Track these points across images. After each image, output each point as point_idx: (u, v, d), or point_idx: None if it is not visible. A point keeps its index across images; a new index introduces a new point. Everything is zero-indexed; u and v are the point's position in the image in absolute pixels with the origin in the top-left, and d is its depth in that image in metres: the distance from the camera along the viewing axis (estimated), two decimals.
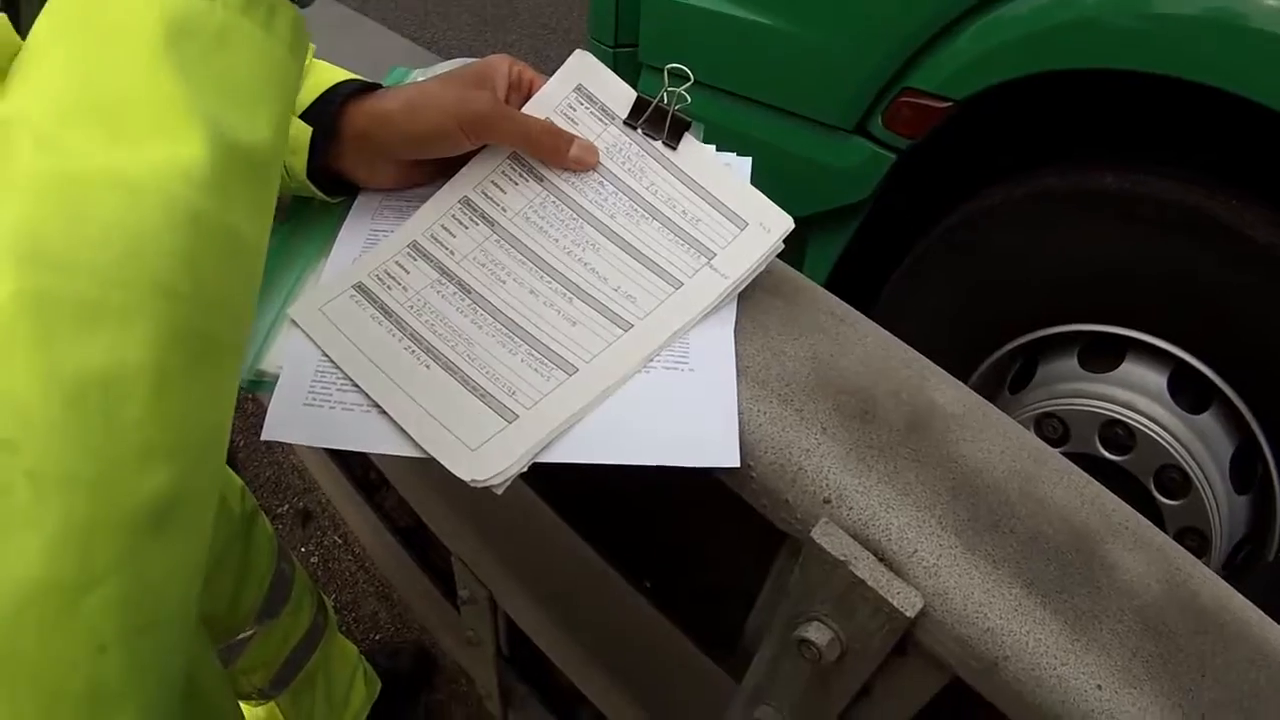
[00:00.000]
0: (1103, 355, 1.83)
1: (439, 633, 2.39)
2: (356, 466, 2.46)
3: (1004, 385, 2.02)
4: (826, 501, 0.78)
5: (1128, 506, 0.81)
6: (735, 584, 1.07)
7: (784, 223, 0.89)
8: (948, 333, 1.98)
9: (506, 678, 2.09)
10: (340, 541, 2.75)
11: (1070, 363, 1.88)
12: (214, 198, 0.51)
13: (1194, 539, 1.79)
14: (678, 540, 1.25)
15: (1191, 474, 1.75)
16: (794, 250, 1.94)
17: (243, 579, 1.49)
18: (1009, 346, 1.94)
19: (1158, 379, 1.78)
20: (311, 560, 2.66)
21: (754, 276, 0.88)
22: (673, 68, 0.89)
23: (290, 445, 2.90)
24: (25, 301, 0.44)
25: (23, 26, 0.69)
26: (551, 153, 0.92)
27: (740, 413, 0.81)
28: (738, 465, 0.78)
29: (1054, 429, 1.87)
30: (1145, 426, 1.76)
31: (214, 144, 0.51)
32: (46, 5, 0.51)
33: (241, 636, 1.62)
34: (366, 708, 2.20)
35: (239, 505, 1.43)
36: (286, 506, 2.84)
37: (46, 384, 0.43)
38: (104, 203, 0.47)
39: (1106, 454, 1.82)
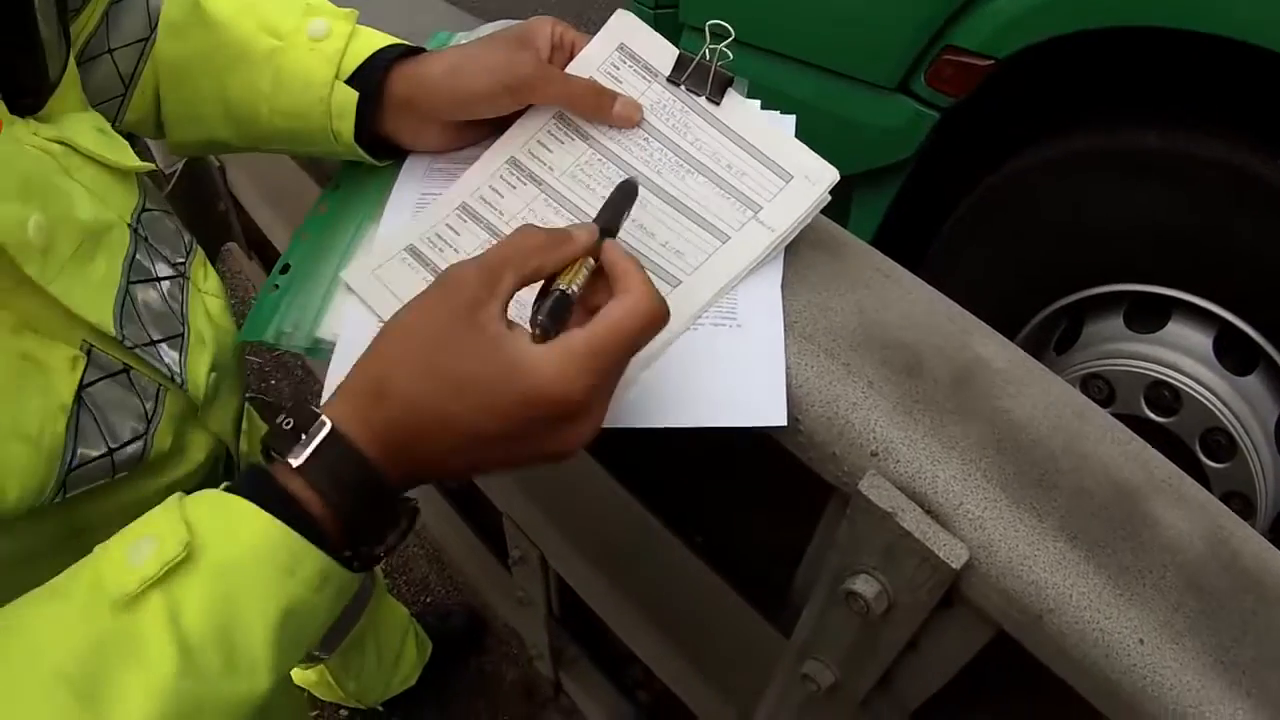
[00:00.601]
0: (1148, 316, 1.83)
1: (490, 594, 2.41)
2: None
3: (1050, 346, 2.02)
4: (874, 454, 0.79)
5: (1171, 463, 0.81)
6: (784, 540, 1.08)
7: (829, 174, 0.89)
8: (993, 292, 1.98)
9: (557, 637, 2.11)
10: None
11: (1116, 323, 1.87)
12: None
13: (1239, 503, 1.78)
14: (727, 496, 1.25)
15: (1237, 437, 1.74)
16: (839, 210, 1.94)
17: None
18: (1054, 306, 1.94)
19: (1203, 340, 1.77)
20: None
21: (800, 230, 0.89)
22: (714, 24, 0.89)
23: None
24: None
25: (50, 73, 0.72)
26: (595, 110, 0.92)
27: (787, 367, 0.81)
28: (785, 424, 0.79)
29: (1099, 390, 1.86)
30: (1190, 388, 1.75)
31: (275, 680, 0.63)
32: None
33: None
34: (418, 669, 2.23)
35: None
36: None
37: None
38: (213, 717, 0.59)
39: (1152, 415, 1.81)
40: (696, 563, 1.23)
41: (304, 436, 0.64)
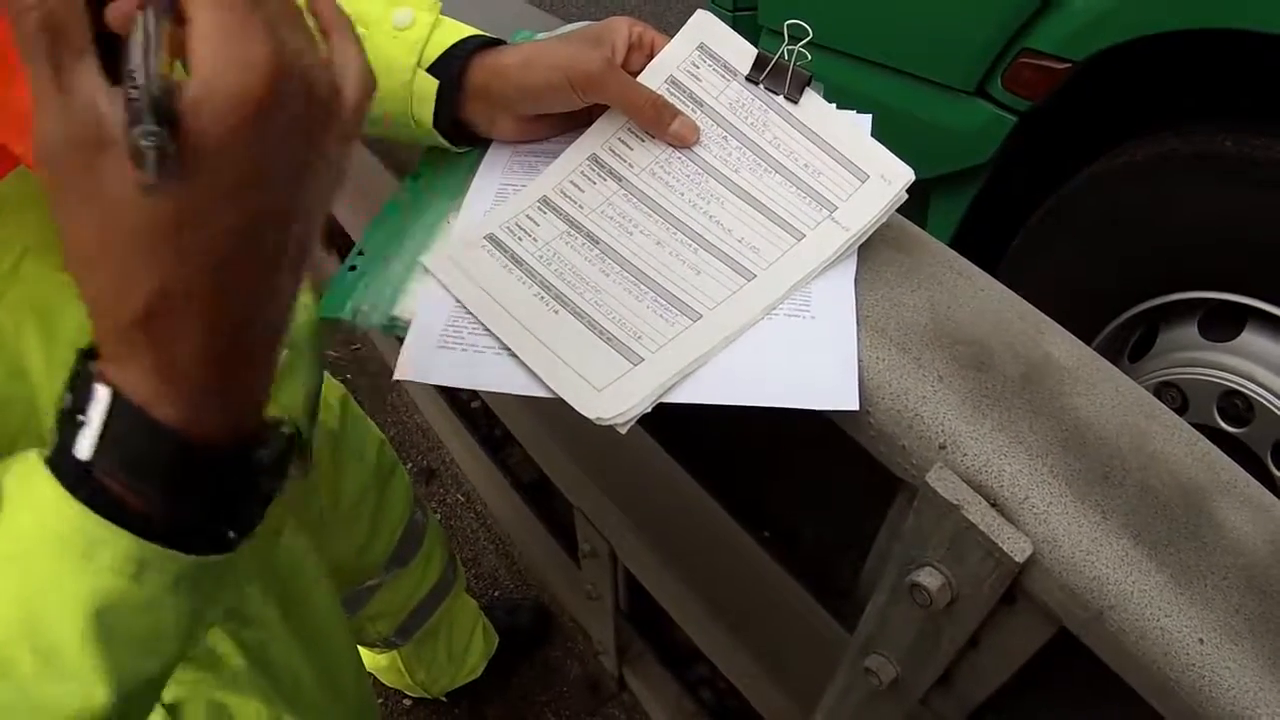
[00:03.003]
0: (1223, 324, 1.81)
1: (558, 588, 2.42)
2: (482, 424, 2.50)
3: (1124, 353, 2.00)
4: (941, 447, 0.80)
5: (1237, 466, 0.80)
6: (851, 536, 1.08)
7: (905, 175, 0.90)
8: (1068, 299, 1.96)
9: (623, 633, 2.12)
10: (463, 499, 2.81)
11: (1190, 331, 1.85)
12: None
13: None
14: (794, 492, 1.26)
15: None
16: (917, 213, 1.94)
17: (374, 529, 1.53)
18: (1129, 313, 1.92)
19: (1277, 349, 1.75)
20: (434, 518, 2.73)
21: (875, 228, 0.89)
22: (792, 24, 0.90)
23: (415, 405, 2.95)
24: None
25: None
26: (654, 123, 0.94)
27: (859, 359, 0.82)
28: (857, 409, 0.80)
29: (1173, 399, 1.84)
30: (1264, 398, 1.73)
31: (120, 690, 0.53)
32: None
33: (369, 584, 1.67)
34: (484, 661, 2.25)
35: (375, 457, 1.47)
36: (410, 465, 2.90)
37: None
38: None
39: (1224, 426, 1.80)
40: (764, 558, 1.24)
41: (82, 417, 0.52)
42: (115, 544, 0.52)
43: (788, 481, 1.27)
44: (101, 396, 0.51)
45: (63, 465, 0.52)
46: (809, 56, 0.91)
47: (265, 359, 0.57)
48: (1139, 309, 1.90)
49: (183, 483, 0.54)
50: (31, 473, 0.53)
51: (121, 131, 0.45)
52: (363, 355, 3.21)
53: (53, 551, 0.52)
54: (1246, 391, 1.74)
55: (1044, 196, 2.01)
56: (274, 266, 0.54)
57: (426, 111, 0.95)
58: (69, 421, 0.52)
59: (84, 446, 0.52)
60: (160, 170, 0.45)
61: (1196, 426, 0.81)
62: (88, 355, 0.53)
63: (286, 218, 0.53)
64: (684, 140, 0.94)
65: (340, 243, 2.23)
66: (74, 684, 0.51)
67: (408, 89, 0.94)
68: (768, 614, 1.37)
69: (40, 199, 0.54)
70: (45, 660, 0.51)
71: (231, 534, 0.59)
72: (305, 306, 0.93)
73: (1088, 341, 0.87)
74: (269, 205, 0.51)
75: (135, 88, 0.44)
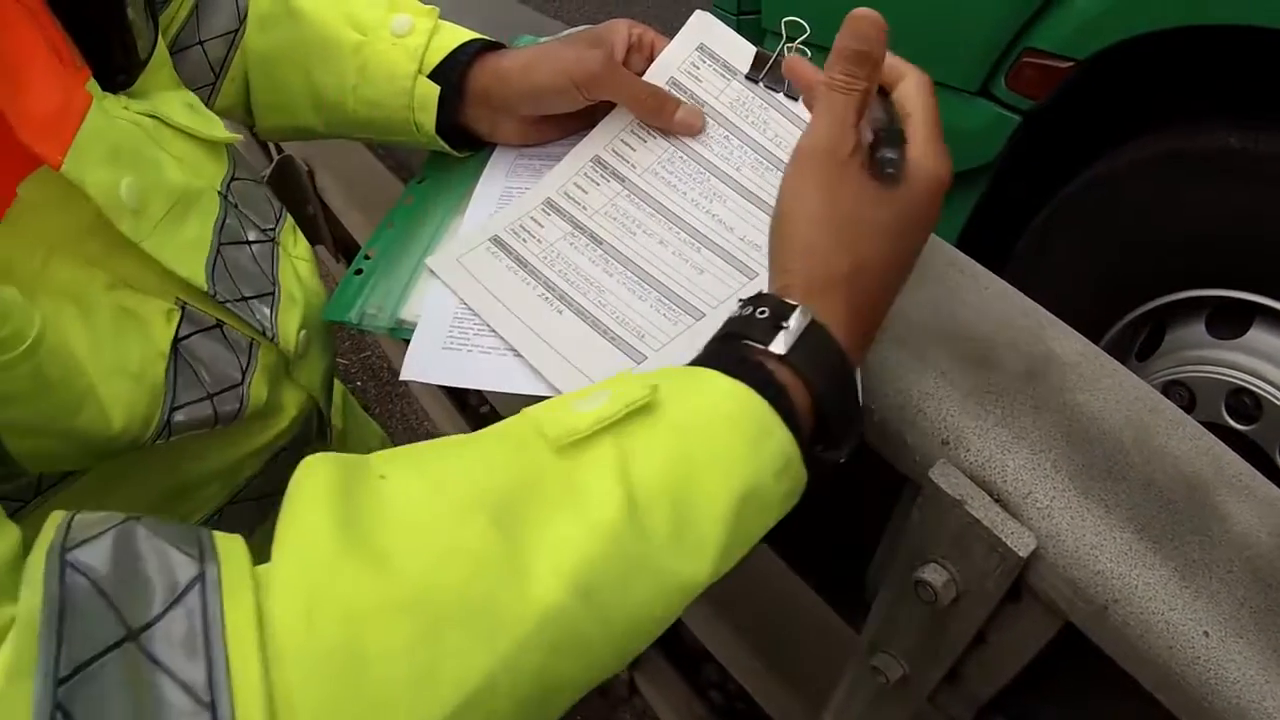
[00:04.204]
0: (1230, 321, 1.80)
1: None
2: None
3: (1132, 353, 2.00)
4: (944, 443, 0.80)
5: (1242, 460, 0.80)
6: (856, 535, 1.09)
7: None
8: (1075, 298, 1.95)
9: None
10: None
11: (1198, 329, 1.85)
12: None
13: None
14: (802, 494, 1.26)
15: None
16: None
17: None
18: (1136, 312, 1.92)
19: None
20: None
21: None
22: (789, 20, 0.90)
23: (424, 412, 2.96)
24: (559, 617, 0.52)
25: (139, 52, 0.76)
26: (657, 114, 0.94)
27: None
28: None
29: (1181, 397, 1.84)
30: (1272, 396, 1.72)
31: (715, 573, 0.61)
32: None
33: None
34: None
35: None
36: None
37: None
38: (642, 588, 0.57)
39: (1233, 423, 1.80)
40: (771, 558, 1.24)
41: (784, 324, 0.66)
42: (779, 437, 0.63)
43: None
44: (802, 315, 0.66)
45: (741, 367, 0.65)
46: (809, 53, 0.91)
47: (878, 327, 0.73)
48: (1146, 307, 1.90)
49: (836, 381, 0.67)
50: (693, 375, 0.65)
51: (867, 149, 0.71)
52: (371, 362, 3.21)
53: (724, 431, 0.61)
54: (1254, 389, 1.73)
55: (1049, 196, 2.01)
56: (908, 270, 0.74)
57: (429, 118, 0.96)
58: (759, 325, 0.66)
59: (780, 343, 0.65)
60: (888, 179, 0.70)
61: (1205, 424, 0.81)
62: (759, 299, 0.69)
63: (920, 247, 0.74)
64: (690, 127, 0.94)
65: (346, 248, 2.23)
66: (696, 561, 0.59)
67: (409, 96, 0.95)
68: (776, 615, 1.38)
69: (63, 200, 0.63)
70: (680, 530, 0.58)
71: (839, 459, 0.72)
72: (317, 294, 0.94)
73: (1095, 340, 0.87)
74: (921, 237, 0.74)
75: (882, 130, 0.72)
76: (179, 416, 0.72)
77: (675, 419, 0.61)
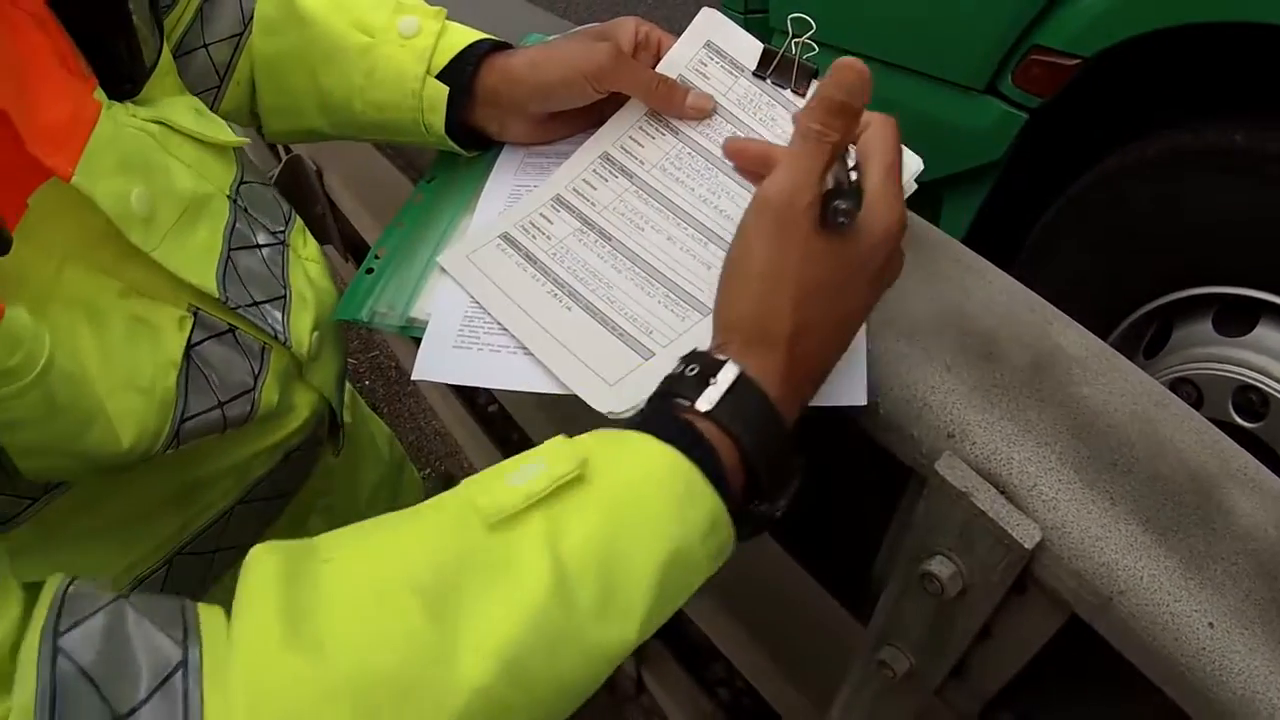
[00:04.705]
0: (1237, 319, 1.80)
1: None
2: (499, 428, 2.50)
3: (1139, 350, 2.00)
4: (950, 436, 0.80)
5: (1247, 453, 0.80)
6: (862, 528, 1.09)
7: (914, 163, 0.89)
8: (1083, 296, 1.96)
9: None
10: None
11: (1205, 327, 1.85)
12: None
13: None
14: (807, 488, 1.27)
15: None
16: (929, 212, 1.94)
17: None
18: (1143, 310, 1.92)
19: None
20: None
21: None
22: (795, 17, 0.90)
23: (432, 411, 2.96)
24: (488, 693, 0.54)
25: (145, 59, 0.76)
26: (667, 101, 0.94)
27: (867, 350, 0.83)
28: (865, 404, 0.80)
29: (1188, 394, 1.84)
30: (1279, 393, 1.73)
31: (641, 636, 0.61)
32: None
33: None
34: None
35: (388, 451, 1.48)
36: (429, 470, 2.90)
37: None
38: (569, 659, 0.58)
39: (1240, 421, 1.80)
40: (778, 552, 1.24)
41: (712, 380, 0.66)
42: (705, 498, 0.63)
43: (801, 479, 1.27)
44: (730, 370, 0.67)
45: (667, 426, 0.65)
46: (815, 49, 0.91)
47: (823, 377, 0.74)
48: (1153, 305, 1.90)
49: (764, 436, 0.67)
50: (624, 441, 0.65)
51: (820, 196, 0.69)
52: (379, 361, 3.22)
53: (652, 496, 0.62)
54: (1262, 386, 1.73)
55: (1056, 193, 2.01)
56: (853, 330, 0.75)
57: (438, 119, 0.96)
58: (687, 383, 0.67)
59: (706, 400, 0.66)
60: (839, 226, 0.68)
61: (1212, 422, 0.82)
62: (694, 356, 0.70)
63: (870, 304, 0.75)
64: (702, 111, 0.94)
65: (354, 247, 2.24)
66: (622, 628, 0.60)
67: (418, 97, 0.95)
68: (782, 610, 1.37)
69: (74, 209, 0.64)
70: (607, 599, 0.59)
71: (774, 514, 0.71)
72: (329, 295, 0.95)
73: (1102, 337, 0.87)
74: (873, 289, 0.73)
75: (839, 181, 0.71)
76: (188, 425, 0.73)
77: (604, 488, 0.62)
